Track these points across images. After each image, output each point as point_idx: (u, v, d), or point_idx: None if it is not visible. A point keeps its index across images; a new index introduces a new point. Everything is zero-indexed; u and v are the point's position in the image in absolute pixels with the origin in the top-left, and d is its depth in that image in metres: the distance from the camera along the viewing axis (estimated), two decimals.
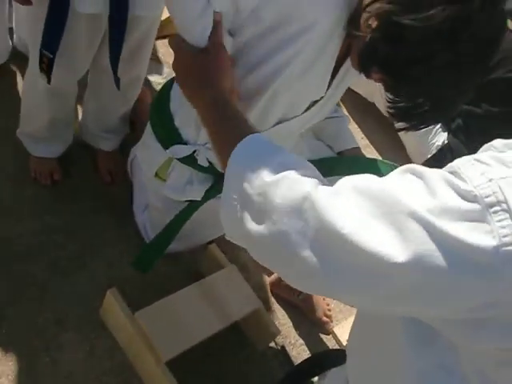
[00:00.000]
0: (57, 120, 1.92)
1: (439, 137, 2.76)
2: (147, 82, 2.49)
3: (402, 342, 0.82)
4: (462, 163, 0.66)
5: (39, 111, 1.88)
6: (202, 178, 1.68)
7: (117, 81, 1.75)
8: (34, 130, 1.95)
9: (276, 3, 1.25)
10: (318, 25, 1.27)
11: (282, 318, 2.03)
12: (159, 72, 2.62)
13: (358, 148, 1.88)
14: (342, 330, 2.06)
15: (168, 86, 1.70)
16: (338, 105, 1.87)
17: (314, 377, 1.47)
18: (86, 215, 1.98)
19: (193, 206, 1.69)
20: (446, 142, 2.75)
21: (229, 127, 0.99)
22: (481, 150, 0.71)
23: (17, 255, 1.80)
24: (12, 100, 2.11)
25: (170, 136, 1.64)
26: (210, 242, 1.97)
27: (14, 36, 2.22)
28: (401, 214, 0.66)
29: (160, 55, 2.68)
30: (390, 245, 0.66)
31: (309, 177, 0.78)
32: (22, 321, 1.68)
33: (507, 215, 0.61)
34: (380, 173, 1.70)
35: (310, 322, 2.06)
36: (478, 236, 0.62)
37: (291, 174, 0.78)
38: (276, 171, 0.80)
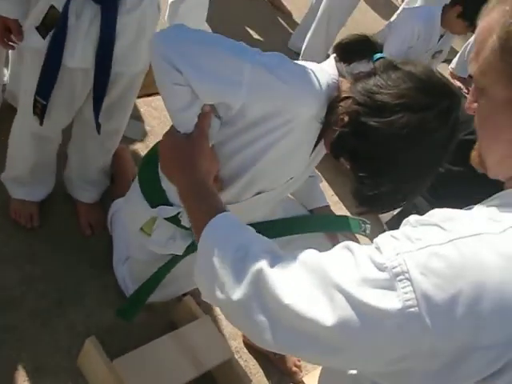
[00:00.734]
0: (40, 165, 2.05)
1: None
2: (125, 139, 2.60)
3: None
4: (382, 239, 0.80)
5: (24, 155, 2.01)
6: (184, 235, 1.77)
7: (98, 128, 1.90)
8: (18, 173, 2.06)
9: (263, 103, 1.39)
10: (300, 117, 1.43)
11: (253, 368, 2.10)
12: (138, 130, 2.74)
13: (328, 206, 2.01)
14: (312, 380, 2.12)
15: (157, 149, 1.78)
16: None
17: None
18: (66, 265, 2.05)
19: (175, 259, 1.78)
20: None
21: (202, 207, 1.12)
22: (402, 223, 0.85)
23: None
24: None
25: (157, 196, 1.74)
26: (185, 294, 2.06)
27: (6, 91, 2.34)
28: (330, 287, 0.79)
29: (140, 114, 2.81)
30: (322, 312, 0.79)
31: (266, 253, 0.92)
32: (1, 368, 1.72)
33: (409, 283, 0.72)
34: (349, 228, 1.84)
35: (280, 372, 2.14)
36: (387, 301, 0.74)
37: (250, 255, 0.92)
38: (238, 250, 0.94)
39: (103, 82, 1.79)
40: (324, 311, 0.79)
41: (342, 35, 3.66)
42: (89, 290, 2.02)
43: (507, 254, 0.72)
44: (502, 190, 0.87)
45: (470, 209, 0.86)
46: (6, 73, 2.32)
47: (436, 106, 1.24)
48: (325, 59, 1.57)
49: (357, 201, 1.39)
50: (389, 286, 0.74)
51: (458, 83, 4.97)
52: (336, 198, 3.09)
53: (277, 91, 1.37)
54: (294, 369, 2.14)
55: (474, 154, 0.93)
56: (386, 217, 3.01)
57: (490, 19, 0.82)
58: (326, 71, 1.47)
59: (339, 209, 3.00)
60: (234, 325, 1.00)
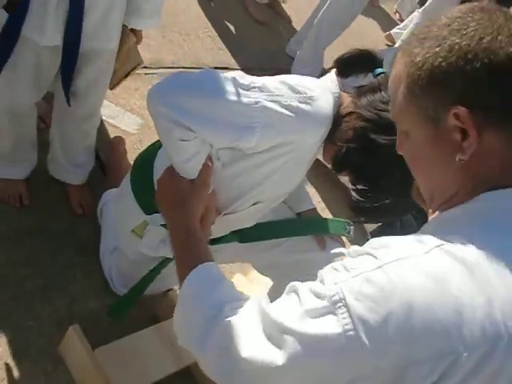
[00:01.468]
0: (20, 141, 2.05)
1: None
2: (119, 132, 2.61)
3: None
4: (325, 271, 0.88)
5: (2, 133, 1.99)
6: None
7: (67, 98, 1.89)
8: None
9: (275, 138, 1.39)
10: (306, 143, 1.45)
11: None
12: (133, 122, 2.75)
13: (315, 209, 2.03)
14: None
15: (151, 154, 1.76)
16: None
17: None
18: (51, 250, 2.05)
19: (165, 262, 1.78)
20: None
21: (187, 256, 1.23)
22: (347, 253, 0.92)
23: None
24: None
25: (151, 204, 1.72)
26: (170, 289, 2.07)
27: None
28: (277, 331, 0.87)
29: (135, 107, 2.81)
30: (272, 354, 0.87)
31: (234, 311, 1.00)
32: None
33: (346, 309, 0.79)
34: (334, 231, 1.89)
35: None
36: (329, 327, 0.80)
37: (221, 314, 1.01)
38: (212, 308, 1.04)
39: (72, 57, 1.78)
40: (273, 353, 0.87)
41: (336, 45, 3.73)
42: (74, 276, 2.02)
43: (431, 273, 0.79)
44: None
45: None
46: None
47: None
48: (316, 67, 1.60)
49: (355, 213, 1.43)
50: (329, 312, 0.81)
51: None
52: (323, 205, 3.11)
53: (288, 126, 1.37)
54: None
55: (414, 188, 1.01)
56: (371, 226, 3.04)
57: (397, 70, 0.92)
58: (329, 90, 1.46)
59: (326, 214, 3.01)
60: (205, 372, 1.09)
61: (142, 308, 2.03)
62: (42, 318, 1.87)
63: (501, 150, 0.85)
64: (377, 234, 2.97)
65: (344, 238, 1.98)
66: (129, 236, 1.82)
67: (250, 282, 2.35)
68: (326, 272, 0.87)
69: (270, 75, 1.42)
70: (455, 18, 0.86)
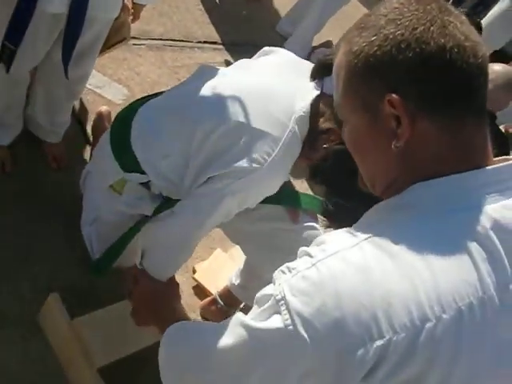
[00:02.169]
0: (10, 108, 2.04)
1: None
2: (105, 102, 2.59)
3: None
4: (275, 274, 0.91)
5: None
6: (153, 196, 1.80)
7: (66, 72, 1.89)
8: None
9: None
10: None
11: None
12: (119, 92, 2.73)
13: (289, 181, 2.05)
14: None
15: (130, 112, 1.80)
16: None
17: None
18: (33, 217, 2.04)
19: (143, 220, 1.80)
20: None
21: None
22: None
23: None
24: None
25: (129, 162, 1.76)
26: None
27: None
28: (237, 326, 0.93)
29: (123, 77, 2.79)
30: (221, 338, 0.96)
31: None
32: None
33: (285, 306, 0.83)
34: (312, 206, 1.90)
35: None
36: (273, 323, 0.85)
37: None
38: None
39: (77, 28, 1.77)
40: (224, 337, 0.95)
41: (333, 29, 3.73)
42: (55, 245, 2.02)
43: (355, 264, 0.82)
44: None
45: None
46: None
47: None
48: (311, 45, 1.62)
49: (327, 219, 1.47)
50: (275, 311, 0.85)
51: None
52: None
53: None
54: None
55: (359, 176, 1.03)
56: None
57: (338, 58, 0.95)
58: (296, 119, 1.52)
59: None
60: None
61: (122, 280, 2.04)
62: (23, 285, 1.87)
63: (434, 137, 0.87)
64: None
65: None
66: (107, 192, 1.84)
67: (230, 259, 2.36)
68: (275, 274, 0.91)
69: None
70: (393, 9, 0.89)
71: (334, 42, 3.37)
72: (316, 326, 0.80)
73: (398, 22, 0.86)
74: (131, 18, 2.18)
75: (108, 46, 2.19)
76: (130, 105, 1.87)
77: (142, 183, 1.76)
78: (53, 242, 2.02)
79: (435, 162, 0.88)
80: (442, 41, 0.84)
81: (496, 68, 2.57)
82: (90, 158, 2.19)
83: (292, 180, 1.97)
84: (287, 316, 0.82)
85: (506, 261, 0.84)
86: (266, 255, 1.88)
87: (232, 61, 3.38)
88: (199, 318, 2.17)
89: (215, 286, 2.21)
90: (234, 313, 0.99)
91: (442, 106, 0.86)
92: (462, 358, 0.81)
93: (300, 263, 0.87)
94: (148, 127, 1.73)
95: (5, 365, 1.69)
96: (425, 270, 0.82)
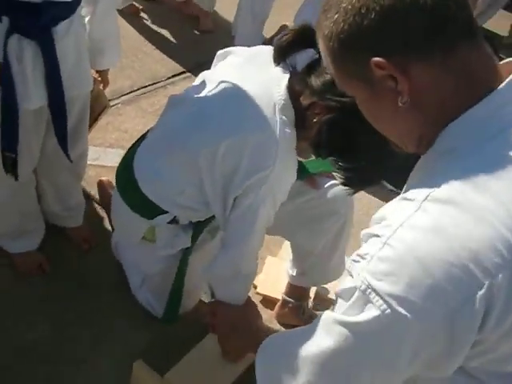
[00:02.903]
0: (26, 213, 2.06)
1: None
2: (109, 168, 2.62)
3: None
4: (348, 265, 0.92)
5: (7, 208, 2.00)
6: (184, 227, 1.84)
7: (68, 156, 1.91)
8: (7, 228, 2.07)
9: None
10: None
11: None
12: (116, 156, 2.74)
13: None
14: None
15: (128, 160, 1.83)
16: None
17: None
18: (87, 301, 2.07)
19: (186, 253, 1.85)
20: None
21: None
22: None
23: (41, 358, 1.87)
24: None
25: (151, 212, 1.78)
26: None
27: None
28: (332, 323, 0.93)
29: (113, 141, 2.82)
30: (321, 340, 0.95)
31: None
32: None
33: (375, 293, 0.83)
34: (307, 171, 1.90)
35: None
36: (368, 314, 0.85)
37: None
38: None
39: (61, 113, 1.80)
40: (324, 339, 0.94)
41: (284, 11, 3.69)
42: (117, 318, 2.03)
43: (426, 228, 0.82)
44: None
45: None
46: None
47: None
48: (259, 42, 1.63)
49: (345, 185, 1.55)
50: (365, 301, 0.85)
51: None
52: None
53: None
54: None
55: (391, 141, 1.03)
56: None
57: (320, 46, 0.97)
58: (276, 103, 1.53)
59: None
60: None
61: (190, 324, 2.04)
62: (102, 369, 1.89)
63: (434, 77, 0.87)
64: None
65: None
66: (143, 246, 1.87)
67: (282, 260, 2.36)
68: (349, 265, 0.91)
69: None
70: None
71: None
72: (412, 300, 0.81)
73: None
74: (101, 85, 2.21)
75: (94, 118, 2.22)
76: (124, 159, 1.90)
77: (169, 222, 1.78)
78: (112, 316, 2.05)
79: (448, 100, 0.88)
80: None
81: None
82: (112, 229, 2.21)
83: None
84: (381, 301, 0.83)
85: None
86: (306, 230, 1.92)
87: None
88: (278, 326, 2.16)
89: (280, 291, 2.21)
90: (308, 305, 0.99)
91: (425, 46, 0.86)
92: None
93: (370, 247, 0.87)
94: (151, 173, 1.75)
95: None
96: (494, 205, 0.82)
